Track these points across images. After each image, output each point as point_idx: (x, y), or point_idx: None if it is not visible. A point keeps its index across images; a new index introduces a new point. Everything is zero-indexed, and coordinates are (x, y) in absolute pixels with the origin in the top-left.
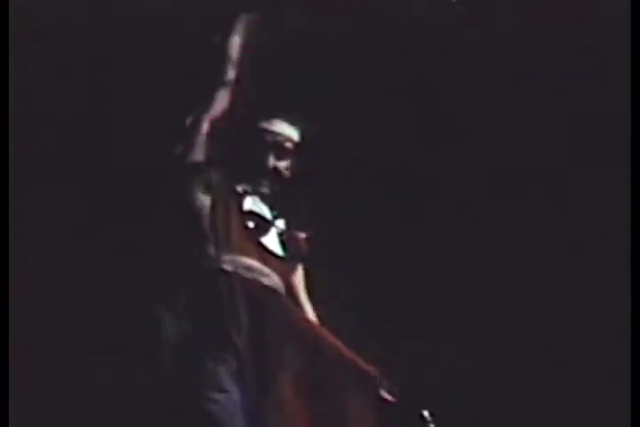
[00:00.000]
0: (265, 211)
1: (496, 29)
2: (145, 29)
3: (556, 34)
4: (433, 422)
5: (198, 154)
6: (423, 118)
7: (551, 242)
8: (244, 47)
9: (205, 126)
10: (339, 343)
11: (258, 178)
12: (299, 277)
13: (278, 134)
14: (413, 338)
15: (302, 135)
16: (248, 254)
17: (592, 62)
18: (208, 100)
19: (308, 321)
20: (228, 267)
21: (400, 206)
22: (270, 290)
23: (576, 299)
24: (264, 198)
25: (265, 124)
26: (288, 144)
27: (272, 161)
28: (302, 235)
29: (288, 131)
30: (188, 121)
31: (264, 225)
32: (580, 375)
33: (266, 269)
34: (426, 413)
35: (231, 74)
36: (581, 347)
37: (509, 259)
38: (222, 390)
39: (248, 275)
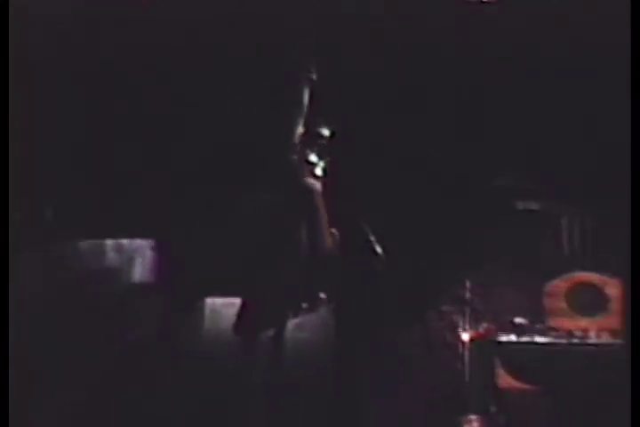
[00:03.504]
0: (318, 160)
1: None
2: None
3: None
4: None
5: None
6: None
7: None
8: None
9: (300, 123)
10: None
11: (317, 147)
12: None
13: (322, 135)
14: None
15: (332, 133)
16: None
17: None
18: (298, 95)
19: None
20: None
21: None
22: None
23: None
24: (320, 152)
25: (319, 129)
26: (324, 142)
27: (323, 142)
28: (325, 130)
29: (325, 132)
30: (294, 119)
31: (318, 165)
32: None
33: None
34: (378, 248)
35: (314, 75)
36: None
37: None
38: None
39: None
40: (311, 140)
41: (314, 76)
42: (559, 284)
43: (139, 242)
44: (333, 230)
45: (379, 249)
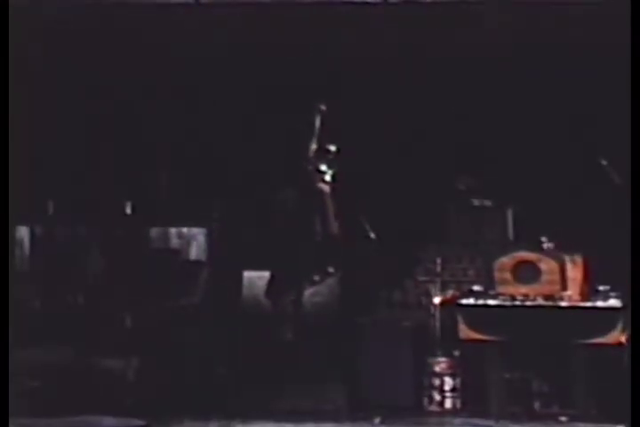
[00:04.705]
0: (327, 169)
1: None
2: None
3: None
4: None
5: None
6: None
7: None
8: None
9: (314, 142)
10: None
11: (327, 159)
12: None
13: (330, 151)
14: None
15: (338, 149)
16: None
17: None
18: (313, 122)
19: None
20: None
21: None
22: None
23: None
24: (329, 163)
25: (328, 146)
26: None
27: (330, 156)
28: (332, 147)
29: (333, 148)
30: (311, 143)
31: (327, 173)
32: None
33: (327, 187)
34: (372, 235)
35: (324, 107)
36: None
37: None
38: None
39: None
40: (322, 154)
41: (323, 108)
42: (505, 261)
43: (194, 230)
44: (338, 222)
45: (373, 236)
